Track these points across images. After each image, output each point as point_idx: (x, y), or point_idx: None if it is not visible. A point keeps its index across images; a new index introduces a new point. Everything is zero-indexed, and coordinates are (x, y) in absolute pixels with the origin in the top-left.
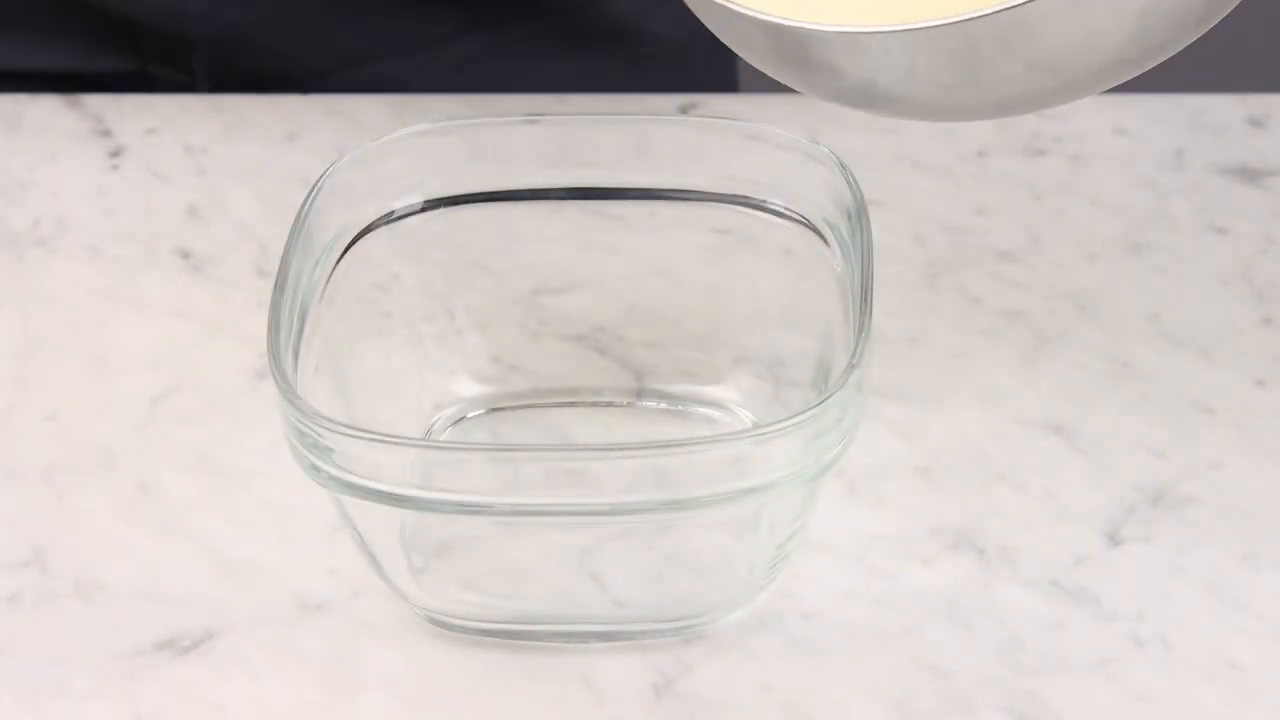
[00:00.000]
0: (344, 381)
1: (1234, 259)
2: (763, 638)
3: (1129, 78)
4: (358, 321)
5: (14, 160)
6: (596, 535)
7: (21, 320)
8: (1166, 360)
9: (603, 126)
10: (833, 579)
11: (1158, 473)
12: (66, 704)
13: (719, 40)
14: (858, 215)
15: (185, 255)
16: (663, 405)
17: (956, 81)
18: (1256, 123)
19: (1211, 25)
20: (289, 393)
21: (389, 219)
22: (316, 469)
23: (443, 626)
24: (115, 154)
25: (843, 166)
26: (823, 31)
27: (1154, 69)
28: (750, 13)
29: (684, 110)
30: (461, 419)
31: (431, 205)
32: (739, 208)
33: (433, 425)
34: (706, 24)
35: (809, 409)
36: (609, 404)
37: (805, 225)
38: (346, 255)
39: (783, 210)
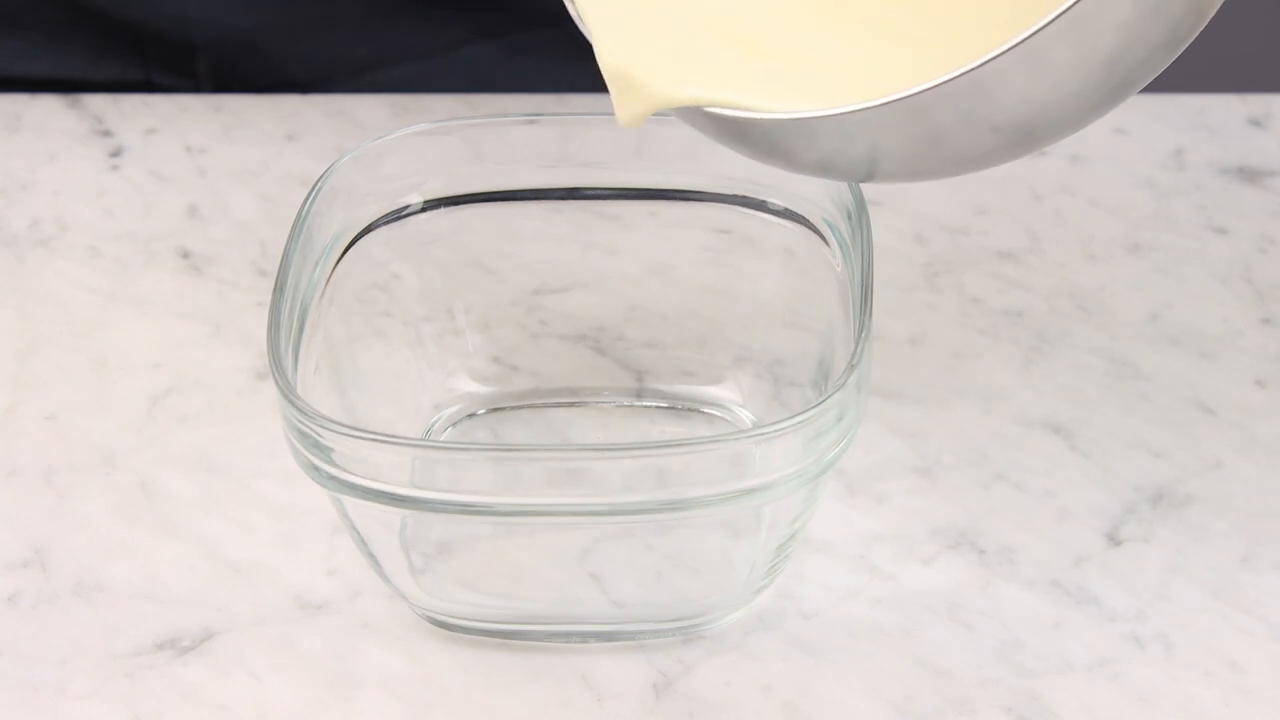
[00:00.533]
0: (344, 381)
1: (1234, 259)
2: (763, 638)
3: (1109, 111)
4: (358, 321)
5: (14, 160)
6: (596, 535)
7: (21, 320)
8: (1166, 360)
9: (603, 126)
10: (833, 579)
11: (1158, 473)
12: (66, 704)
13: None
14: (858, 215)
15: (185, 255)
16: (663, 405)
17: (924, 151)
18: (1256, 123)
19: (1180, 49)
20: (289, 393)
21: (389, 219)
22: (316, 469)
23: (443, 626)
24: (115, 154)
25: None
26: (768, 120)
27: None
28: (714, 110)
29: None
30: (461, 419)
31: (431, 205)
32: (739, 208)
33: (433, 425)
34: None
35: (809, 409)
36: (609, 404)
37: (805, 225)
38: (346, 255)
39: (783, 210)
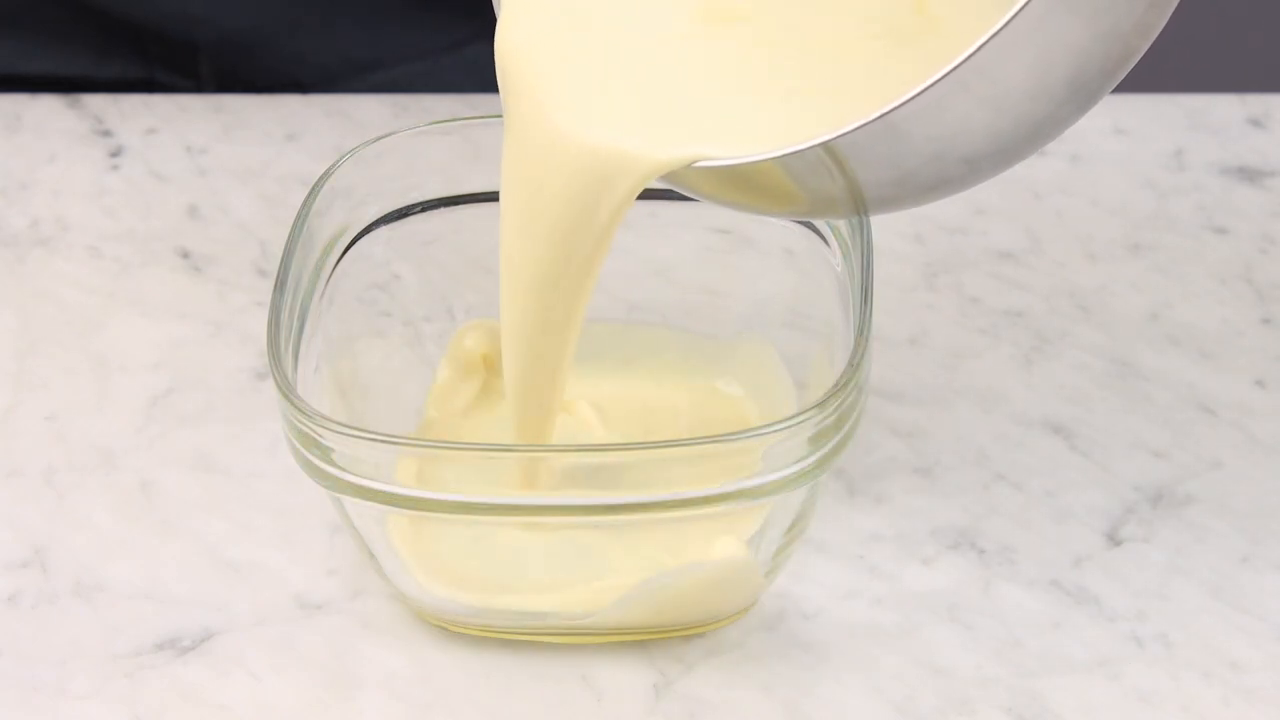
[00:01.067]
0: (344, 381)
1: (1234, 259)
2: (763, 638)
3: (1059, 133)
4: (358, 321)
5: (14, 160)
6: (597, 535)
7: (21, 320)
8: (1166, 360)
9: None
10: (833, 579)
11: (1158, 473)
12: (66, 704)
13: None
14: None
15: (185, 255)
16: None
17: (904, 171)
18: (1256, 123)
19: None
20: (289, 393)
21: (389, 219)
22: (316, 469)
23: (443, 626)
24: (115, 154)
25: None
26: (766, 160)
27: (1154, 69)
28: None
29: None
30: None
31: (431, 205)
32: None
33: None
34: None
35: (809, 409)
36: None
37: (805, 225)
38: (346, 255)
39: None
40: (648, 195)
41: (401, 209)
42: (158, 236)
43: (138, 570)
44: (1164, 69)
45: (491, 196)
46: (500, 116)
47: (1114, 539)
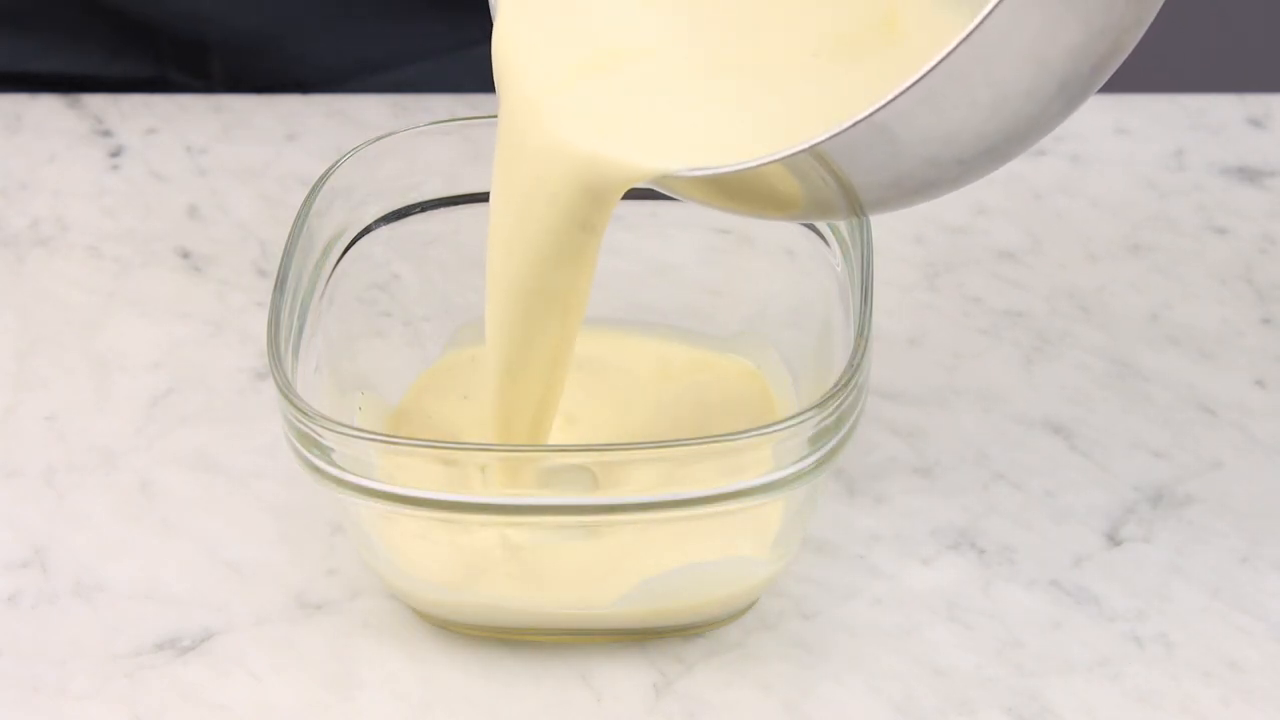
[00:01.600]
0: (344, 381)
1: (1234, 259)
2: (763, 638)
3: (1054, 127)
4: (358, 321)
5: (14, 160)
6: (597, 535)
7: (21, 320)
8: (1166, 360)
9: None
10: (833, 579)
11: (1158, 473)
12: (66, 704)
13: None
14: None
15: (185, 255)
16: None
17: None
18: (1256, 123)
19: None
20: (289, 393)
21: (389, 219)
22: (316, 469)
23: (443, 626)
24: (115, 154)
25: None
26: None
27: (1154, 69)
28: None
29: None
30: None
31: (431, 205)
32: None
33: None
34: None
35: (809, 409)
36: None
37: (805, 225)
38: (346, 255)
39: None
40: (648, 195)
41: (401, 209)
42: (158, 236)
43: (138, 570)
44: (1164, 69)
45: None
46: (498, 117)
47: (1114, 539)
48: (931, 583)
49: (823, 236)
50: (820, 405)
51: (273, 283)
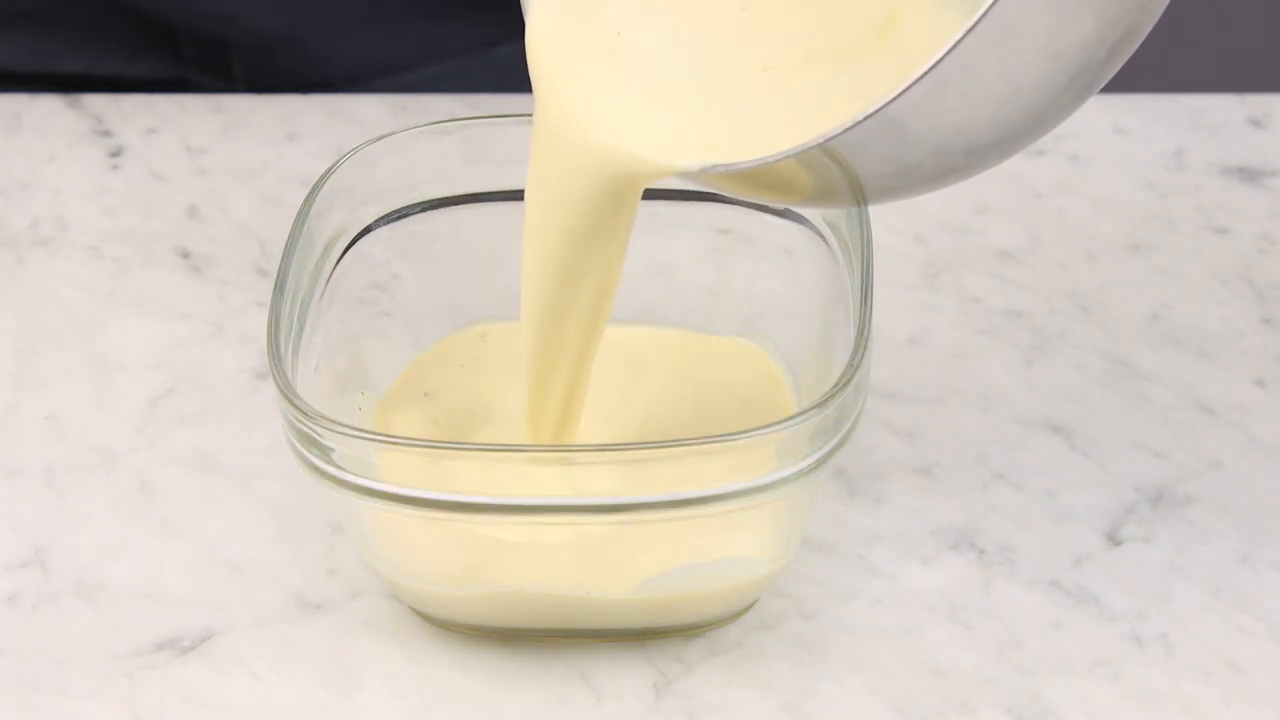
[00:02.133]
0: (344, 381)
1: (1234, 259)
2: (763, 638)
3: (1067, 116)
4: (358, 321)
5: (14, 160)
6: (597, 535)
7: (21, 320)
8: (1166, 360)
9: None
10: (833, 579)
11: (1158, 473)
12: (66, 704)
13: None
14: (857, 215)
15: (185, 255)
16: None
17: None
18: (1256, 123)
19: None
20: (289, 393)
21: (389, 219)
22: (316, 469)
23: (443, 626)
24: (115, 154)
25: None
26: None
27: (1154, 69)
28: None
29: None
30: None
31: (431, 205)
32: (739, 208)
33: None
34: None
35: (809, 409)
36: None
37: (805, 225)
38: (346, 255)
39: (783, 210)
40: (648, 195)
41: (401, 209)
42: (158, 236)
43: (138, 570)
44: (1164, 69)
45: (491, 196)
46: (499, 117)
47: (1114, 539)
48: (931, 583)
49: (823, 236)
50: (820, 405)
51: (273, 283)
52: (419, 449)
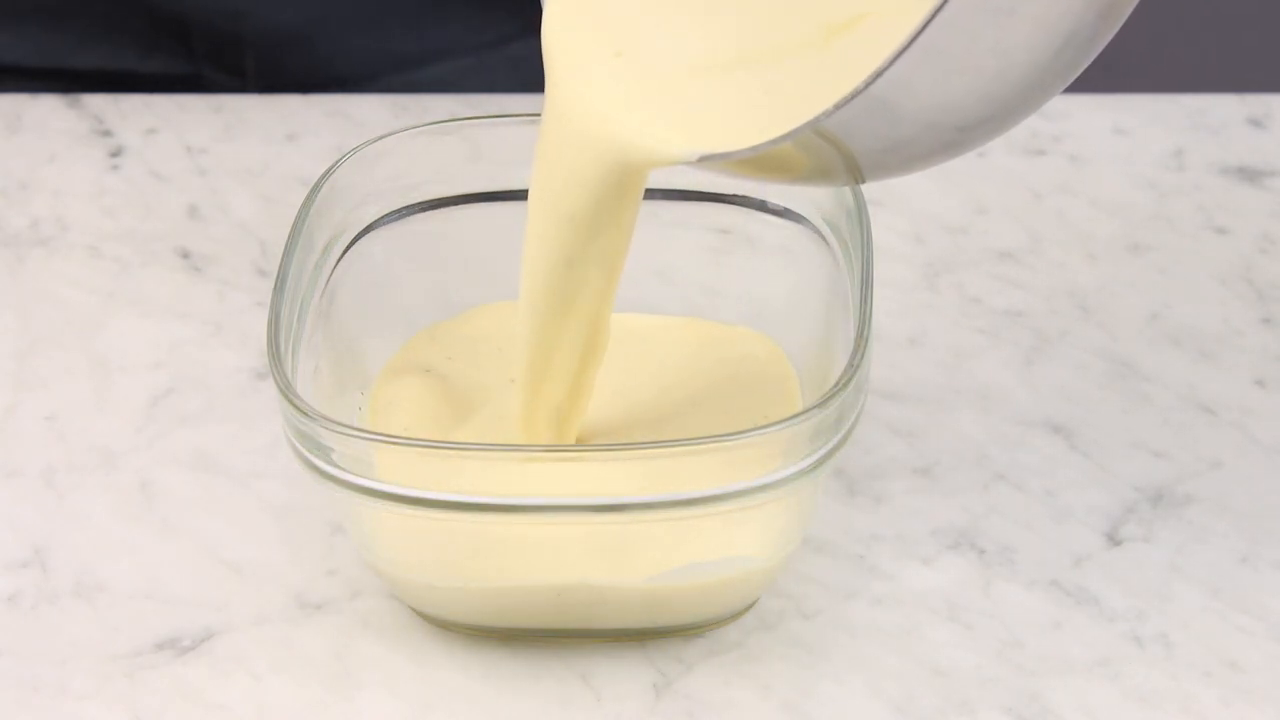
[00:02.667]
0: (344, 381)
1: (1234, 259)
2: (763, 638)
3: (1060, 87)
4: (358, 321)
5: (14, 160)
6: (597, 535)
7: (21, 320)
8: (1166, 360)
9: None
10: (833, 579)
11: (1158, 473)
12: (66, 704)
13: None
14: (857, 215)
15: (185, 255)
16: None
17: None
18: (1256, 123)
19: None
20: (289, 393)
21: (389, 219)
22: (316, 469)
23: (443, 626)
24: (115, 154)
25: None
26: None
27: (1154, 69)
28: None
29: None
30: None
31: (431, 205)
32: (739, 208)
33: None
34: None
35: (809, 409)
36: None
37: (805, 225)
38: (346, 255)
39: (783, 210)
40: (648, 195)
41: (401, 209)
42: (158, 236)
43: (138, 570)
44: (1164, 69)
45: (491, 196)
46: (499, 117)
47: (1114, 539)
48: (931, 583)
49: (823, 236)
50: (820, 405)
51: (273, 283)
52: (419, 449)
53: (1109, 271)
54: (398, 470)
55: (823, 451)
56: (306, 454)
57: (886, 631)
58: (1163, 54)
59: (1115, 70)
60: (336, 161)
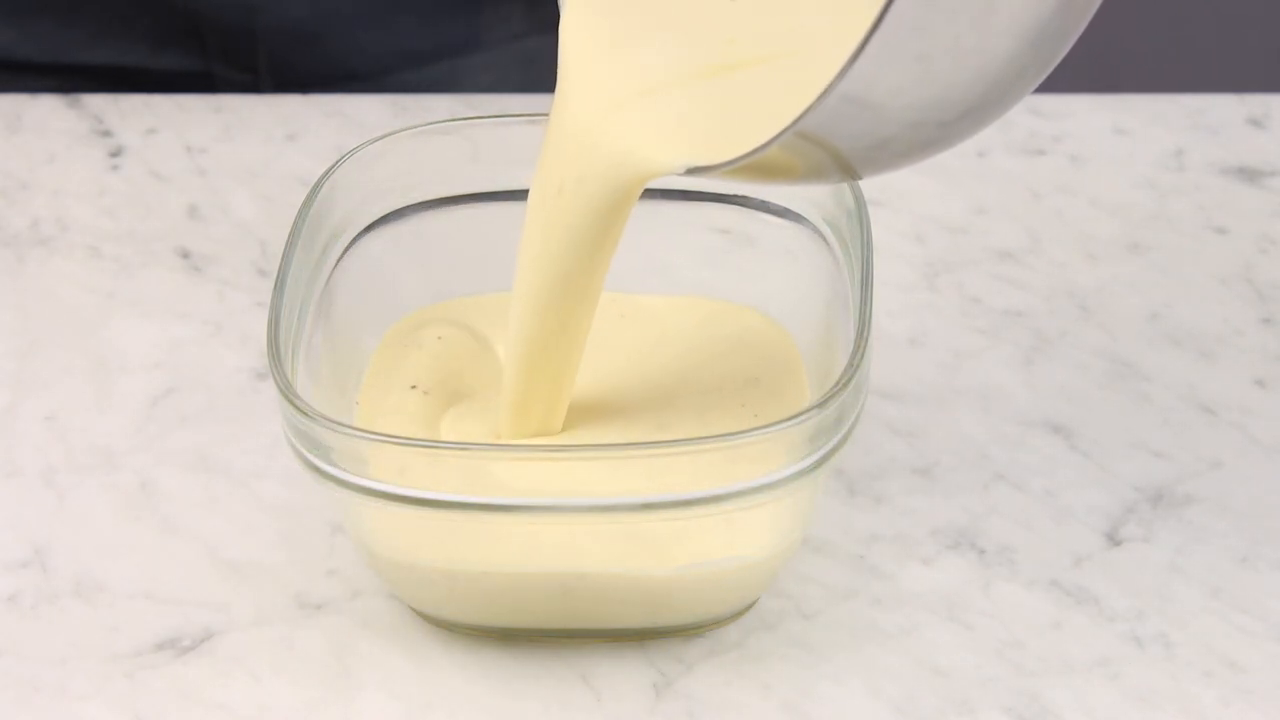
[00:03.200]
0: (344, 381)
1: (1234, 259)
2: (763, 638)
3: (1033, 82)
4: (358, 321)
5: (14, 160)
6: (596, 535)
7: (21, 320)
8: (1166, 360)
9: None
10: (833, 579)
11: (1158, 473)
12: (66, 704)
13: None
14: (857, 215)
15: (185, 255)
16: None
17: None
18: (1256, 123)
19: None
20: (289, 393)
21: (389, 219)
22: (316, 469)
23: (443, 626)
24: (115, 154)
25: None
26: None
27: (1154, 69)
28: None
29: None
30: None
31: (431, 205)
32: (739, 208)
33: None
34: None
35: (809, 409)
36: None
37: (805, 225)
38: (346, 255)
39: (783, 210)
40: (648, 195)
41: (401, 209)
42: (158, 236)
43: (138, 570)
44: (1164, 69)
45: (491, 196)
46: (499, 117)
47: (1114, 539)
48: (931, 583)
49: (823, 236)
50: (820, 405)
51: (273, 283)
52: (420, 449)
53: (1109, 271)
54: (396, 470)
55: (823, 451)
56: (306, 454)
57: (886, 631)
58: (1163, 54)
59: (1115, 70)
60: (336, 161)
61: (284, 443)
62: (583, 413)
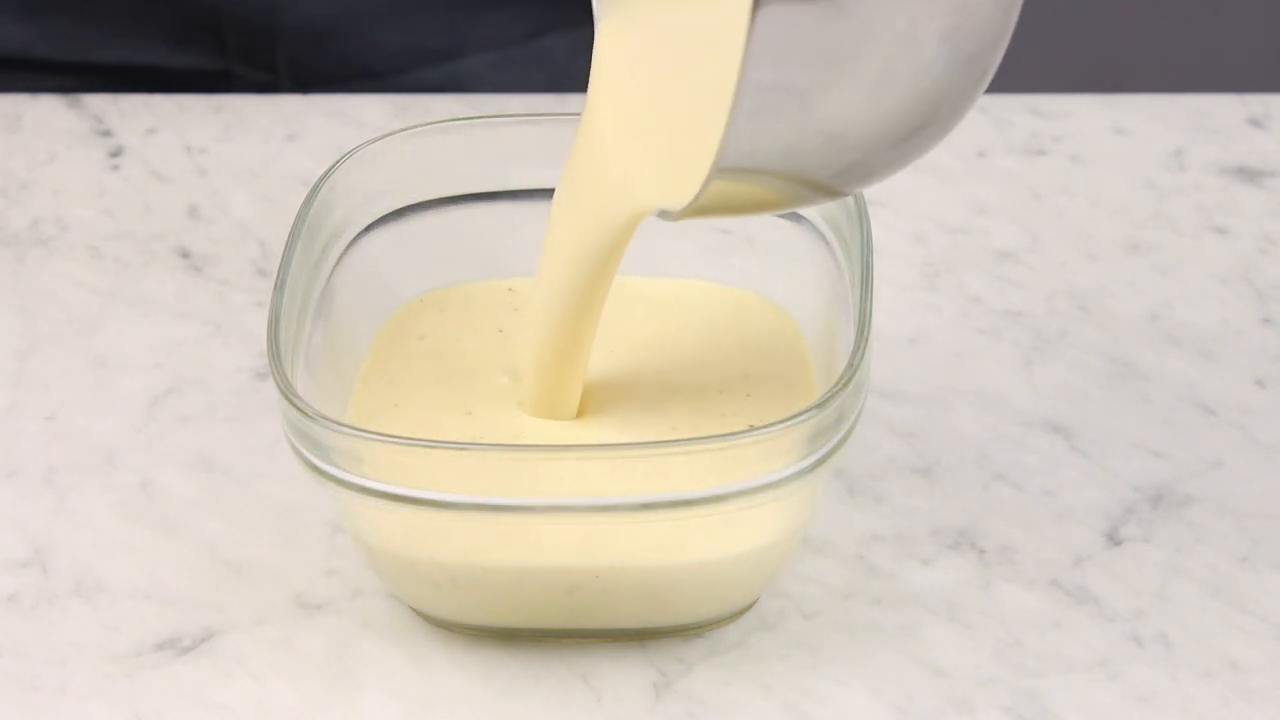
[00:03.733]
0: (344, 381)
1: (1234, 259)
2: (763, 638)
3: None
4: (358, 321)
5: (14, 160)
6: (596, 535)
7: (21, 320)
8: (1166, 360)
9: None
10: (833, 579)
11: (1158, 473)
12: (66, 704)
13: None
14: (858, 215)
15: (185, 255)
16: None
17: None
18: (1256, 123)
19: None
20: (289, 393)
21: (389, 219)
22: (316, 469)
23: (442, 626)
24: (115, 154)
25: None
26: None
27: (1154, 69)
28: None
29: None
30: None
31: (431, 205)
32: None
33: None
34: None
35: (809, 409)
36: None
37: (805, 225)
38: (346, 255)
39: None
40: None
41: (401, 209)
42: (158, 236)
43: (138, 570)
44: (1164, 69)
45: (491, 196)
46: (499, 117)
47: (1114, 539)
48: (931, 583)
49: (823, 236)
50: (820, 405)
51: (273, 283)
52: (418, 448)
53: (1109, 271)
54: (396, 470)
55: (823, 451)
56: (306, 454)
57: (886, 631)
58: (1163, 54)
59: (1115, 70)
60: (336, 161)
61: (284, 442)
62: (598, 395)
